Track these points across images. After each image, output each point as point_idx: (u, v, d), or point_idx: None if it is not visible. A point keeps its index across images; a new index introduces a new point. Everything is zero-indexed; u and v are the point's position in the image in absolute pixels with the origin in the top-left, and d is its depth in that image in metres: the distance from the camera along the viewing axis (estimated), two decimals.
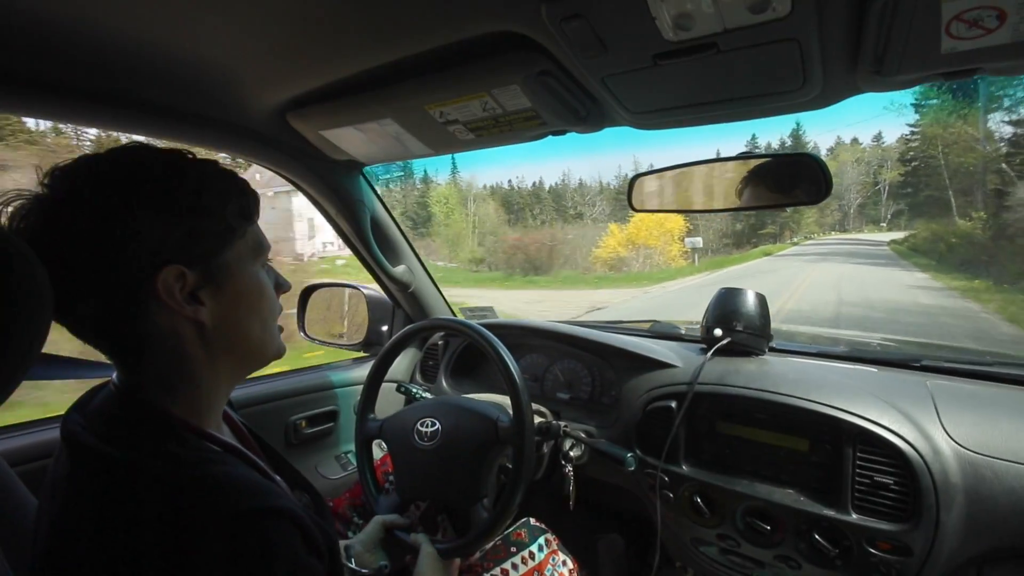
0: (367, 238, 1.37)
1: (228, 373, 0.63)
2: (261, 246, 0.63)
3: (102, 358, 0.59)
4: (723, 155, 1.01)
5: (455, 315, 1.75)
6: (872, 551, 0.92)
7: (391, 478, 1.14)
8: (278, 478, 0.67)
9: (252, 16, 0.69)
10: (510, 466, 0.98)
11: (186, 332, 0.56)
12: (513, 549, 1.06)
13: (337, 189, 1.27)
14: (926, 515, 0.88)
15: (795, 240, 48.84)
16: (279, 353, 0.66)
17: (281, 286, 0.67)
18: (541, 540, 1.09)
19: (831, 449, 0.99)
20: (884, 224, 54.64)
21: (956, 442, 0.91)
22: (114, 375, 0.59)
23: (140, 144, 0.58)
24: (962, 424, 0.92)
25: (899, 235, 37.44)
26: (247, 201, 0.61)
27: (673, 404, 1.13)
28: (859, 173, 57.13)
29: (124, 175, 0.53)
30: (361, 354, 1.70)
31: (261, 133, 1.07)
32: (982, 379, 1.07)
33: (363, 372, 1.57)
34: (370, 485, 1.13)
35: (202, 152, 0.62)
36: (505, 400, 1.20)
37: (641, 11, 0.60)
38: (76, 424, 0.55)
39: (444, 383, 1.57)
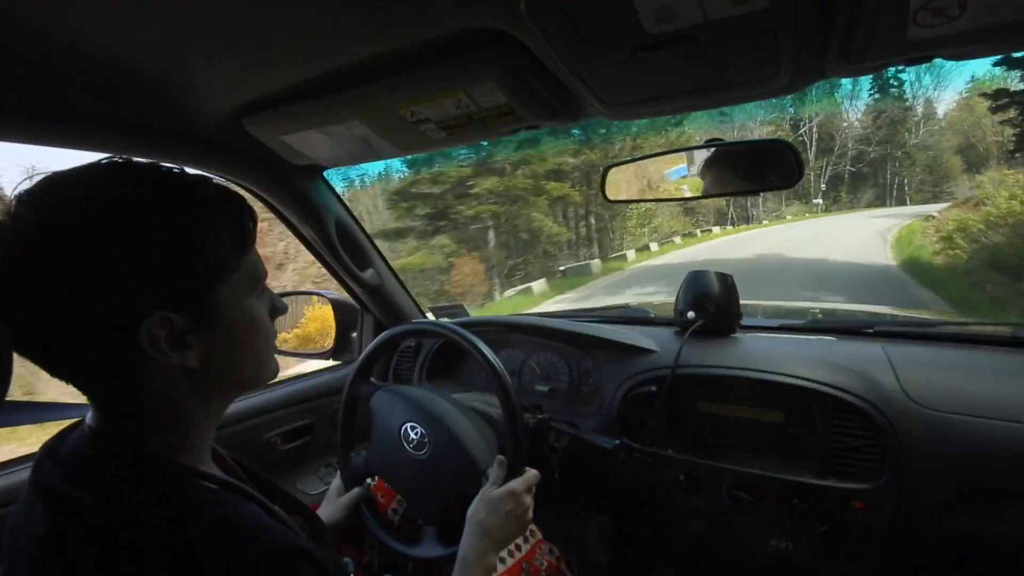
0: (333, 243, 1.31)
1: (219, 406, 0.59)
2: (257, 276, 0.58)
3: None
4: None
5: (424, 316, 1.72)
6: (849, 511, 0.98)
7: (394, 506, 1.12)
8: (277, 508, 0.64)
9: (203, 16, 0.63)
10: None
11: (173, 377, 0.52)
12: None
13: (298, 195, 1.21)
14: (892, 472, 0.95)
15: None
16: (273, 376, 0.62)
17: (277, 309, 0.62)
18: (526, 531, 1.10)
19: (805, 418, 1.05)
20: (819, 201, 34.81)
21: (914, 401, 0.98)
22: (88, 416, 0.54)
23: (119, 163, 0.50)
24: (918, 384, 1.00)
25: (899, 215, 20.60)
26: (244, 229, 0.55)
27: (654, 388, 1.16)
28: (761, 109, 32.02)
29: (101, 207, 0.46)
30: (331, 362, 1.65)
31: (214, 140, 0.99)
32: (931, 340, 1.15)
33: (336, 380, 1.52)
34: (375, 525, 1.08)
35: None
36: (491, 400, 1.19)
37: (624, 2, 0.60)
38: (52, 475, 0.50)
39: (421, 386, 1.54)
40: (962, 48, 0.63)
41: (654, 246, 21.65)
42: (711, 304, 1.23)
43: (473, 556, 0.81)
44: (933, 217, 15.89)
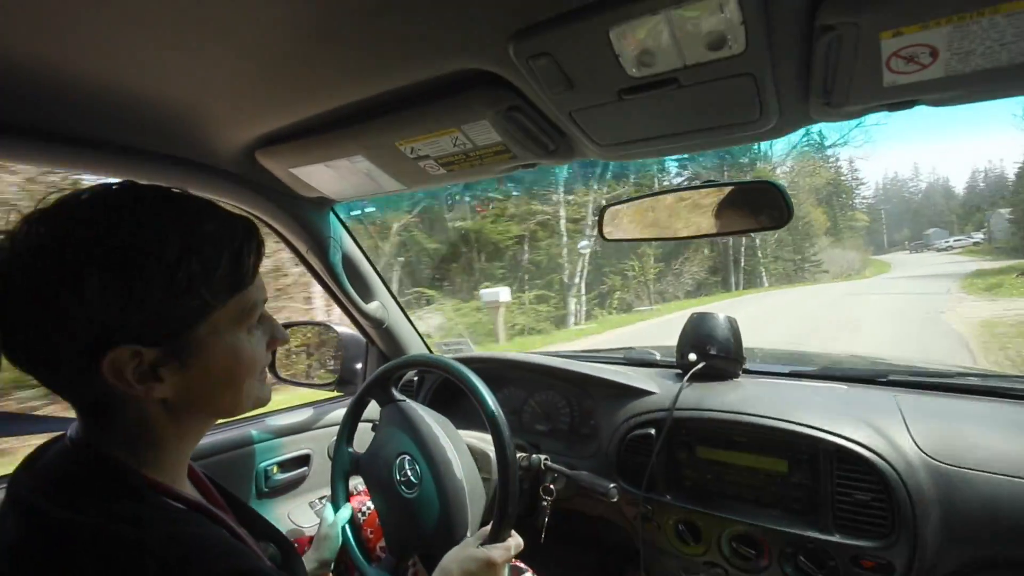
0: (338, 275, 1.35)
1: (195, 430, 0.59)
2: (246, 311, 0.56)
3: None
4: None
5: (430, 351, 1.73)
6: (857, 570, 0.92)
7: (381, 544, 1.09)
8: (243, 531, 0.64)
9: (220, 55, 0.69)
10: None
11: (146, 403, 0.52)
12: None
13: (307, 226, 1.26)
14: (905, 530, 0.89)
15: None
16: (260, 404, 0.62)
17: (277, 339, 0.61)
18: None
19: (810, 468, 1.00)
20: (587, 244, 15.63)
21: (927, 455, 0.92)
22: (70, 428, 0.55)
23: (129, 186, 0.52)
24: (931, 436, 0.94)
25: None
26: (240, 267, 0.53)
27: (652, 431, 1.13)
28: None
29: (94, 230, 0.47)
30: (335, 394, 1.65)
31: (229, 171, 1.05)
32: (946, 391, 1.09)
33: (337, 413, 1.52)
34: (356, 550, 1.05)
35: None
36: (487, 438, 1.18)
37: (605, 49, 0.63)
38: (24, 485, 0.51)
39: None
40: (941, 94, 0.64)
41: None
42: (713, 346, 1.21)
43: None
44: None
